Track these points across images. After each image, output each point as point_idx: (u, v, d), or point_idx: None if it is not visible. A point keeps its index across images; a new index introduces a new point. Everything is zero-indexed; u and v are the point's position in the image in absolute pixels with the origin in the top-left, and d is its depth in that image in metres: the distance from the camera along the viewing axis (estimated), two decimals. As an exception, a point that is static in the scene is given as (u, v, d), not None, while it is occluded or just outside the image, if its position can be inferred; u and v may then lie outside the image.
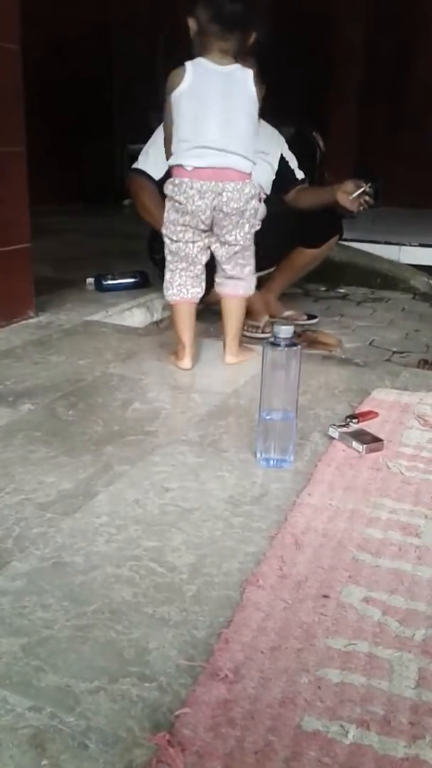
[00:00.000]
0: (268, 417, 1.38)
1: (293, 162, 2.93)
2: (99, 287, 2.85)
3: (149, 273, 2.84)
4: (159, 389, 1.82)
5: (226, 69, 1.83)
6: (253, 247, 2.01)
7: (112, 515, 1.18)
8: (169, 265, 1.99)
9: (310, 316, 2.92)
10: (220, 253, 1.97)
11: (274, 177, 2.87)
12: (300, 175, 2.94)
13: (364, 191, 2.66)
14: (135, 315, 2.65)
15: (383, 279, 3.75)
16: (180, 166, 1.87)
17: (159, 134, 2.72)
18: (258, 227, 2.02)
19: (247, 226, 1.93)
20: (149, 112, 5.41)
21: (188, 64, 1.84)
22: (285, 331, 1.34)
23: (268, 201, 2.90)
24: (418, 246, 4.05)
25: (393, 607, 0.98)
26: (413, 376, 1.98)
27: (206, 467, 1.37)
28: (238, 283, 2.03)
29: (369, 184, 2.69)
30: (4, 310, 2.28)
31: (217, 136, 1.82)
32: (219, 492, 1.28)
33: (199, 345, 2.10)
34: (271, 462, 1.39)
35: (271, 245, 2.82)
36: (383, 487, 1.32)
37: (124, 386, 1.82)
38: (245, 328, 2.65)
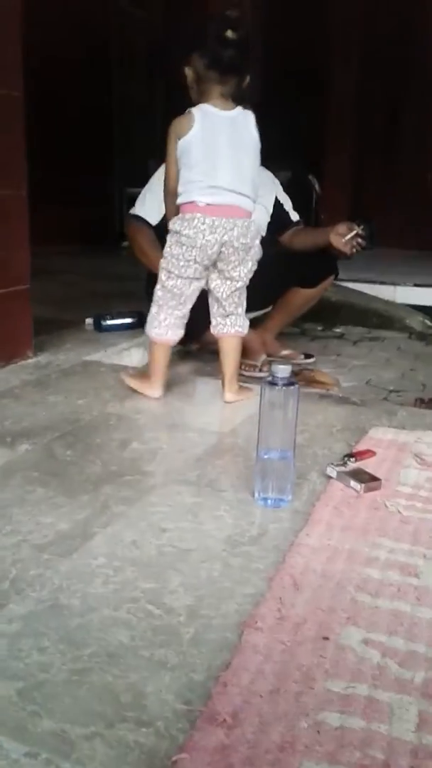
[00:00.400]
0: (265, 456, 1.38)
1: (288, 204, 2.98)
2: (98, 327, 2.87)
3: (147, 314, 2.86)
4: (157, 429, 1.82)
5: (230, 114, 1.91)
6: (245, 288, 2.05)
7: (110, 556, 1.18)
8: (159, 301, 2.03)
9: (307, 356, 2.94)
10: (222, 289, 2.01)
11: (269, 219, 2.92)
12: (295, 216, 2.99)
13: (357, 233, 2.71)
14: (133, 355, 2.66)
15: (379, 318, 3.78)
16: (192, 202, 1.91)
17: (155, 180, 2.77)
18: (255, 268, 2.06)
19: (250, 263, 2.00)
20: (148, 158, 5.52)
21: (195, 111, 1.90)
22: (283, 370, 1.35)
23: (263, 242, 2.95)
24: (413, 286, 4.10)
25: (392, 648, 0.97)
26: (410, 415, 1.99)
27: (204, 507, 1.37)
28: (236, 322, 2.06)
29: (362, 227, 2.73)
30: (3, 350, 2.29)
31: (229, 178, 1.90)
32: (217, 532, 1.27)
33: (195, 384, 2.11)
34: (269, 501, 1.38)
35: (268, 285, 2.85)
36: (381, 527, 1.31)
37: (122, 426, 1.82)
38: (242, 367, 2.67)
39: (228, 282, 2.00)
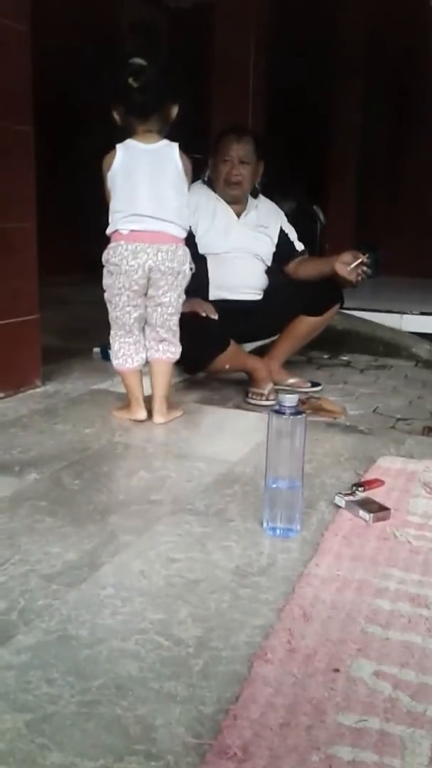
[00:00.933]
0: (274, 485, 1.38)
1: (292, 234, 3.02)
2: (105, 356, 2.88)
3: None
4: (164, 458, 1.82)
5: (152, 146, 2.01)
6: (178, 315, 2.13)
7: (118, 587, 1.17)
8: (113, 334, 2.12)
9: (314, 384, 2.94)
10: (155, 316, 2.08)
11: (274, 249, 2.96)
12: (300, 246, 3.02)
13: (362, 262, 2.73)
14: (140, 384, 2.67)
15: (386, 347, 3.78)
16: (116, 231, 2.01)
17: None
18: (182, 295, 2.11)
19: (179, 288, 2.07)
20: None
21: (119, 146, 2.01)
22: (290, 399, 1.36)
23: (269, 272, 2.97)
24: (420, 314, 4.11)
25: (404, 681, 0.96)
26: (418, 443, 1.99)
27: (212, 537, 1.36)
28: (169, 348, 2.13)
29: (367, 255, 2.75)
30: (12, 379, 2.31)
31: (150, 206, 1.98)
32: (225, 562, 1.27)
33: (202, 413, 2.11)
34: (278, 531, 1.38)
35: (274, 314, 2.88)
36: (391, 557, 1.31)
37: (130, 455, 1.82)
38: (249, 395, 2.68)
39: (159, 308, 2.06)
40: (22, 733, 0.84)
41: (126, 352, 2.10)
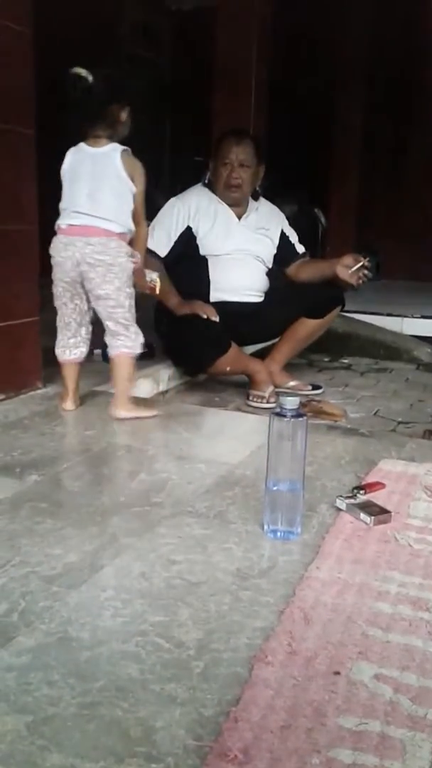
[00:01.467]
0: (275, 488, 1.38)
1: (293, 237, 3.02)
2: (105, 359, 2.88)
3: (155, 345, 2.88)
4: (165, 460, 1.82)
5: (98, 150, 2.09)
6: (133, 309, 2.14)
7: (118, 589, 1.17)
8: (57, 325, 2.20)
9: (315, 387, 2.95)
10: (99, 310, 2.13)
11: (275, 251, 2.96)
12: (300, 249, 3.02)
13: (363, 265, 2.73)
14: (141, 385, 2.67)
15: (387, 350, 3.79)
16: (57, 226, 2.11)
17: (164, 213, 2.82)
18: (130, 290, 2.12)
19: (116, 281, 2.07)
20: (154, 191, 5.59)
21: (70, 150, 2.13)
22: (291, 402, 1.36)
23: (270, 274, 2.98)
24: (420, 318, 4.11)
25: (405, 684, 0.96)
26: (419, 446, 1.99)
27: (213, 539, 1.36)
28: (125, 342, 2.14)
29: (368, 258, 2.76)
30: (13, 381, 2.31)
31: (86, 203, 2.06)
32: (226, 565, 1.27)
33: (203, 415, 2.11)
34: (279, 534, 1.38)
35: (275, 316, 2.88)
36: (392, 560, 1.30)
37: (130, 457, 1.82)
38: (250, 398, 2.68)
39: (101, 302, 2.10)
40: (22, 735, 0.84)
41: (63, 344, 2.19)
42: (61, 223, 2.10)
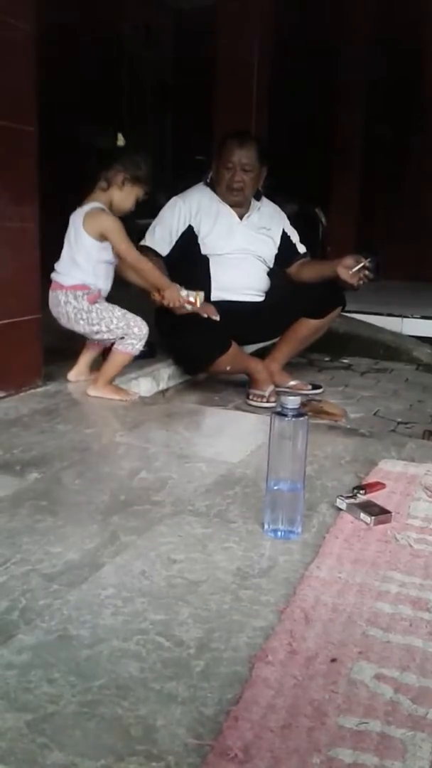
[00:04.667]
0: (275, 487, 1.38)
1: (295, 236, 3.02)
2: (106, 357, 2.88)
3: (156, 344, 2.88)
4: (166, 458, 1.82)
5: (78, 210, 2.35)
6: (115, 319, 2.32)
7: (119, 587, 1.17)
8: None
9: (315, 386, 2.95)
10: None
11: (276, 251, 2.96)
12: (302, 249, 3.02)
13: (363, 266, 2.73)
14: (141, 384, 2.67)
15: (386, 350, 3.79)
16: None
17: (165, 212, 2.82)
18: (97, 317, 2.33)
19: (81, 321, 2.34)
20: (156, 189, 5.57)
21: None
22: (292, 401, 1.36)
23: (271, 274, 2.98)
24: (420, 318, 4.11)
25: (405, 684, 0.96)
26: (419, 447, 1.99)
27: (213, 538, 1.36)
28: (132, 342, 2.34)
29: (368, 259, 2.76)
30: (13, 379, 2.30)
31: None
32: (226, 564, 1.27)
33: (204, 414, 2.11)
34: (279, 533, 1.38)
35: (275, 315, 2.88)
36: (392, 560, 1.30)
37: (131, 455, 1.82)
38: (250, 397, 2.68)
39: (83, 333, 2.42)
40: (22, 733, 0.84)
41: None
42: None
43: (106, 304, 2.38)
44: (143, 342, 2.37)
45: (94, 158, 2.37)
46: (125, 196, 2.34)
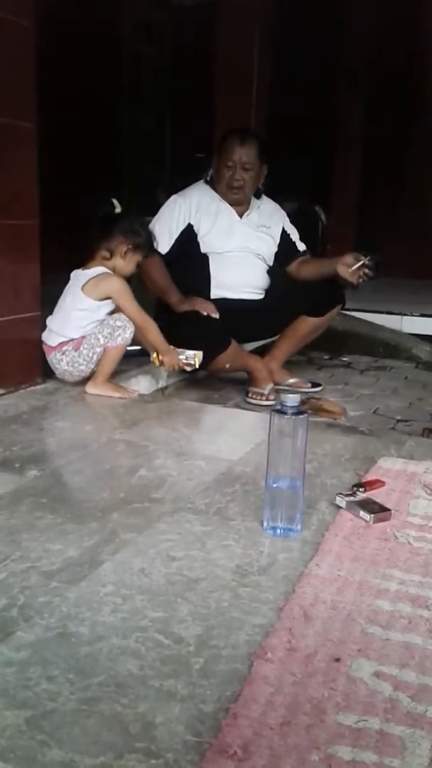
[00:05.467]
0: (275, 485, 1.38)
1: (294, 234, 3.01)
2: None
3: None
4: (165, 456, 1.82)
5: (78, 271, 2.45)
6: (99, 341, 2.35)
7: (118, 584, 1.17)
8: None
9: (314, 384, 2.94)
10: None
11: (276, 249, 2.95)
12: (301, 247, 3.02)
13: (363, 264, 2.73)
14: (141, 382, 2.67)
15: (386, 348, 3.79)
16: None
17: (165, 210, 2.82)
18: (91, 351, 2.35)
19: (81, 367, 2.37)
20: (157, 187, 5.56)
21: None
22: (292, 399, 1.36)
23: (271, 272, 2.97)
24: (420, 316, 4.11)
25: (404, 681, 0.96)
26: (418, 444, 1.99)
27: (213, 536, 1.36)
28: (123, 335, 2.37)
29: (368, 257, 2.76)
30: (13, 376, 2.30)
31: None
32: (226, 561, 1.27)
33: (203, 411, 2.11)
34: (279, 531, 1.38)
35: (275, 313, 2.88)
36: (392, 558, 1.31)
37: (130, 453, 1.82)
38: (249, 395, 2.68)
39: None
40: (22, 730, 0.84)
41: None
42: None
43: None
44: (130, 330, 2.38)
45: (95, 226, 2.44)
46: (127, 263, 2.43)
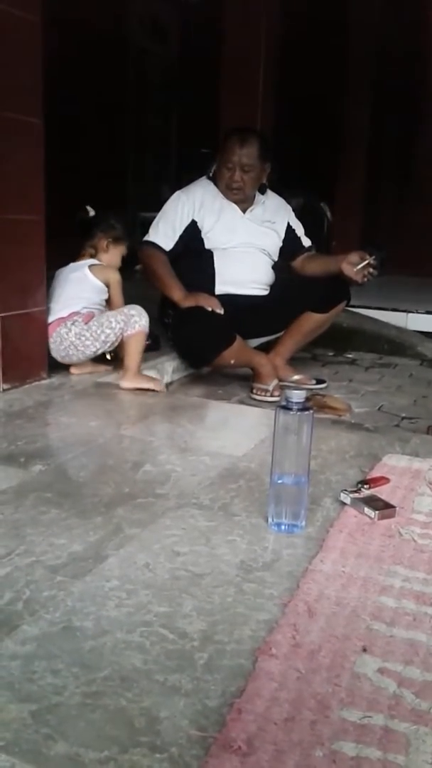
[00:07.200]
0: (279, 481, 1.38)
1: (300, 230, 3.01)
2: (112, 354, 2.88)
3: (160, 336, 2.88)
4: (170, 451, 1.82)
5: (74, 264, 2.62)
6: (119, 323, 2.46)
7: (123, 579, 1.17)
8: None
9: (319, 381, 2.94)
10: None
11: (281, 244, 2.95)
12: (307, 242, 3.01)
13: (368, 263, 2.72)
14: (146, 377, 2.66)
15: (391, 345, 3.78)
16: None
17: (168, 208, 2.82)
18: (101, 331, 2.45)
19: (88, 342, 2.46)
20: (161, 183, 5.56)
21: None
22: (297, 395, 1.35)
23: (276, 267, 2.97)
24: (425, 313, 4.10)
25: (408, 678, 0.96)
26: (423, 442, 1.98)
27: (217, 531, 1.36)
28: (139, 321, 2.46)
29: (373, 257, 2.75)
30: (18, 371, 2.31)
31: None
32: (230, 557, 1.27)
33: (208, 407, 2.11)
34: (283, 527, 1.38)
35: (280, 310, 2.87)
36: (396, 555, 1.30)
37: (135, 448, 1.82)
38: (254, 391, 2.68)
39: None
40: (27, 723, 0.84)
41: None
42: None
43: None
44: (145, 317, 2.48)
45: (77, 230, 2.66)
46: (111, 256, 2.64)
